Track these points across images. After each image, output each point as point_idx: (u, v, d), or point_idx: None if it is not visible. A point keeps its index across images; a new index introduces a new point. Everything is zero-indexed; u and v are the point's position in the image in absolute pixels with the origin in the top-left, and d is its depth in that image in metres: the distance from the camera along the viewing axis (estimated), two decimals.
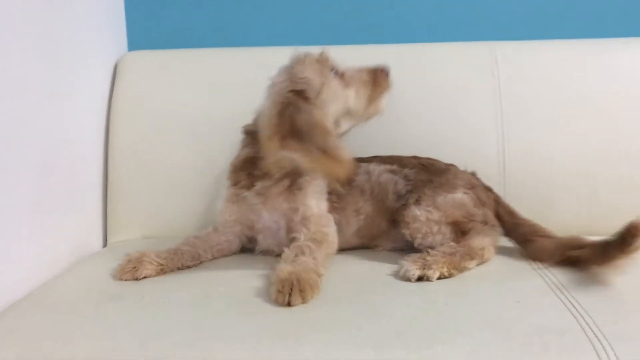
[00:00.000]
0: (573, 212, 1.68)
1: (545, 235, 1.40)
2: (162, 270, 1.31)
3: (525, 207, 1.53)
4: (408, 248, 1.43)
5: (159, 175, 1.72)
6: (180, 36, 1.92)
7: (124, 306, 1.14)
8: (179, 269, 1.34)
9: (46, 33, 1.43)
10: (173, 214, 1.71)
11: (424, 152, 1.62)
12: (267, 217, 1.40)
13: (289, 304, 1.09)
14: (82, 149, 1.63)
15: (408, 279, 1.25)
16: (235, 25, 1.92)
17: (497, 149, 1.71)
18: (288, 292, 1.10)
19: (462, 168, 1.55)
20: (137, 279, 1.27)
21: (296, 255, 1.24)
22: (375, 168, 1.50)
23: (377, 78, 1.42)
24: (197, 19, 1.92)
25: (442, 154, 1.63)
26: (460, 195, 1.42)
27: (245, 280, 1.25)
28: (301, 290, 1.10)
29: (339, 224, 1.44)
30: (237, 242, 1.47)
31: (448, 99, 1.74)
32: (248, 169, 1.39)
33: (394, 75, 1.67)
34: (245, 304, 1.13)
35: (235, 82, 1.75)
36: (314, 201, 1.38)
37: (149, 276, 1.28)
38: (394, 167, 1.50)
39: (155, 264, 1.29)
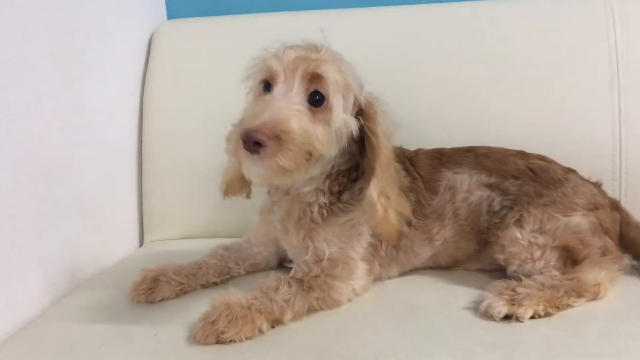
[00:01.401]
0: None
1: None
2: (182, 290, 1.12)
3: None
4: (497, 269, 1.15)
5: (199, 165, 1.49)
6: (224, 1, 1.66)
7: (130, 350, 0.93)
8: (202, 286, 1.15)
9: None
10: (215, 210, 1.50)
11: (516, 138, 1.33)
12: (288, 250, 1.15)
13: (194, 338, 0.92)
14: (113, 137, 1.44)
15: (491, 317, 0.98)
16: None
17: (612, 134, 1.36)
18: (202, 325, 0.93)
19: (564, 163, 1.22)
20: (152, 302, 1.09)
21: (269, 288, 0.99)
22: (465, 181, 1.16)
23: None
24: None
25: (538, 140, 1.33)
26: (577, 219, 1.09)
27: None
28: (217, 329, 0.91)
29: (399, 261, 1.16)
30: (274, 259, 1.23)
31: (547, 69, 1.40)
32: None
33: (484, 40, 1.41)
34: None
35: None
36: (334, 242, 1.08)
37: (167, 298, 1.10)
38: (492, 179, 1.16)
39: (174, 283, 1.10)
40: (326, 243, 1.07)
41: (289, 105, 0.94)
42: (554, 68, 1.39)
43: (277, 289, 0.99)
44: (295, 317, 0.99)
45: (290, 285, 1.00)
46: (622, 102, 1.36)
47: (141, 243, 1.54)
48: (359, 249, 1.09)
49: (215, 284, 1.16)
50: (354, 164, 1.09)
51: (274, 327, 0.96)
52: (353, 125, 1.01)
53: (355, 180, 1.09)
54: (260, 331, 0.94)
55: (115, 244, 1.43)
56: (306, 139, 0.94)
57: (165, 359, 0.90)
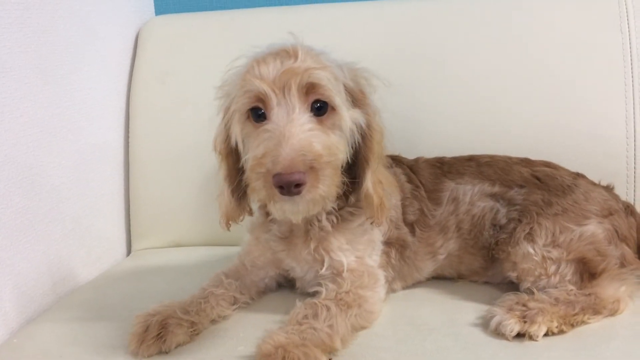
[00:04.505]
0: None
1: None
2: (196, 331, 0.95)
3: None
4: (508, 282, 1.08)
5: (190, 169, 1.41)
6: None
7: None
8: (213, 322, 1.00)
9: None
10: (206, 217, 1.40)
11: (523, 137, 1.29)
12: (296, 267, 1.06)
13: None
14: (97, 140, 1.35)
15: (502, 335, 0.91)
16: None
17: (627, 133, 1.28)
18: None
19: (575, 164, 1.16)
20: (166, 353, 0.90)
21: (305, 317, 0.90)
22: (468, 192, 1.10)
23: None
24: None
25: (547, 139, 1.29)
26: (592, 228, 1.01)
27: None
28: None
29: (402, 275, 1.09)
30: (275, 283, 1.13)
31: (557, 64, 1.31)
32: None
33: (491, 35, 1.34)
34: None
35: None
36: (350, 251, 1.01)
37: (183, 343, 0.93)
38: (495, 188, 1.09)
39: (185, 324, 0.93)
40: (342, 253, 1.00)
41: (301, 129, 0.86)
42: (564, 63, 1.30)
43: (315, 315, 0.90)
44: (343, 341, 0.89)
45: (328, 309, 0.91)
46: (636, 99, 1.28)
47: (129, 251, 1.47)
48: (375, 257, 1.03)
49: (225, 317, 1.01)
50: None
51: (330, 359, 0.86)
52: (360, 118, 0.94)
53: (355, 177, 1.00)
54: None
55: (100, 253, 1.35)
56: (332, 155, 0.89)
57: None
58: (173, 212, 1.43)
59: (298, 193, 0.83)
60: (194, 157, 1.40)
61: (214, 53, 1.43)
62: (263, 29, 1.42)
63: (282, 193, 0.83)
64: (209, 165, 1.36)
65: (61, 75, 1.21)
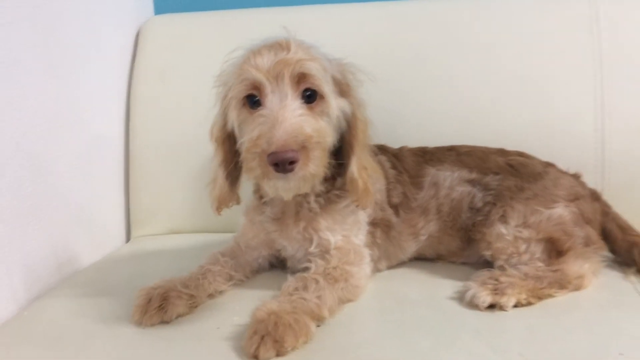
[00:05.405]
0: None
1: None
2: (194, 304, 1.03)
3: (628, 202, 1.27)
4: (483, 262, 1.16)
5: (187, 160, 1.49)
6: None
7: None
8: (210, 296, 1.08)
9: None
10: (203, 204, 1.44)
11: (500, 131, 1.38)
12: (288, 246, 1.14)
13: (256, 358, 0.85)
14: (99, 132, 1.43)
15: (476, 307, 0.99)
16: None
17: (595, 127, 1.38)
18: (258, 341, 0.85)
19: (548, 155, 1.25)
20: (167, 322, 0.98)
21: (296, 289, 0.98)
22: (447, 178, 1.18)
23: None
24: None
25: (523, 133, 1.38)
26: (559, 211, 1.10)
27: None
28: (276, 341, 0.85)
29: (387, 255, 1.18)
30: (267, 263, 1.21)
31: (532, 63, 1.41)
32: None
33: (469, 37, 1.42)
34: None
35: None
36: (337, 230, 1.09)
37: (182, 314, 1.00)
38: (473, 175, 1.18)
39: (185, 297, 1.01)
40: (330, 232, 1.08)
41: (293, 114, 0.94)
42: (538, 62, 1.40)
43: (305, 287, 0.97)
44: (330, 311, 0.96)
45: (317, 282, 0.99)
46: (605, 96, 1.37)
47: (128, 238, 1.54)
48: (361, 236, 1.11)
49: (220, 292, 1.10)
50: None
51: (318, 325, 0.94)
52: (347, 107, 1.03)
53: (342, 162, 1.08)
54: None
55: (102, 239, 1.42)
56: (321, 138, 0.97)
57: None
58: (170, 201, 1.51)
59: (291, 170, 0.91)
60: (189, 150, 1.48)
61: (212, 52, 1.47)
62: (261, 29, 1.47)
63: (276, 170, 0.91)
64: (204, 157, 1.44)
65: (67, 71, 1.29)
